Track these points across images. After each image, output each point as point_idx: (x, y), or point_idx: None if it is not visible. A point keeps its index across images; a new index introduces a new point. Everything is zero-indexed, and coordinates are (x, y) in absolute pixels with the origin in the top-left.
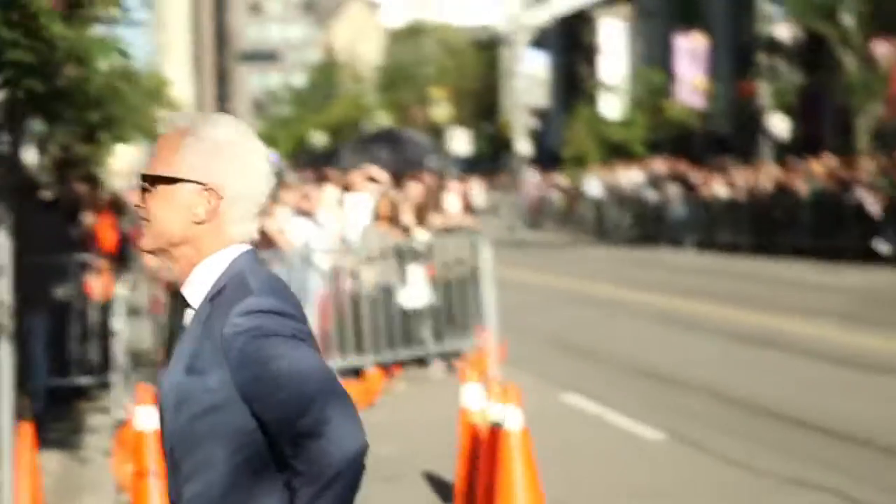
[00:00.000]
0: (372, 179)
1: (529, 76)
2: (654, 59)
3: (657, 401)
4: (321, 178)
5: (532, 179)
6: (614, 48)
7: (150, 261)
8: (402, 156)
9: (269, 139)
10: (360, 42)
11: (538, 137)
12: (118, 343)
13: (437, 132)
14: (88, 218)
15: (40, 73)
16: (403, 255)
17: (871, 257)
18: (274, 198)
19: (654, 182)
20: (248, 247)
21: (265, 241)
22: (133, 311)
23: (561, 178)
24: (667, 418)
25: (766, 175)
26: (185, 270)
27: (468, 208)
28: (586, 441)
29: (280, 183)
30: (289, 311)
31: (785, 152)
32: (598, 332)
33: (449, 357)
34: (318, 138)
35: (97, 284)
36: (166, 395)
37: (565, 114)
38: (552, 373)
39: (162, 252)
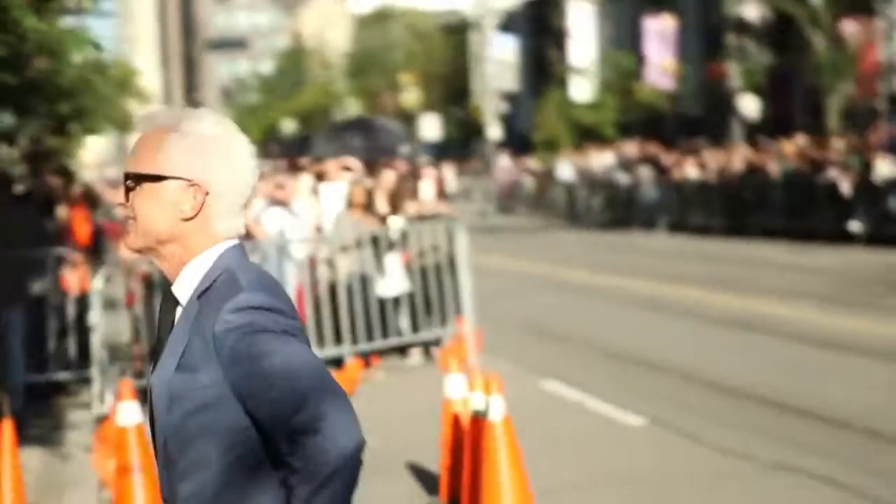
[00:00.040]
0: (346, 168)
1: (499, 60)
2: (623, 42)
3: (637, 386)
4: (294, 167)
5: (504, 164)
6: (583, 31)
7: (125, 253)
8: (374, 143)
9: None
10: (329, 28)
11: (508, 122)
12: (96, 337)
13: (407, 118)
14: (62, 211)
15: (11, 66)
16: (379, 244)
17: (845, 238)
18: None
19: (626, 165)
20: (235, 242)
21: None
22: (109, 304)
23: (532, 163)
24: (647, 404)
25: (739, 156)
26: (174, 268)
27: (442, 194)
28: (568, 428)
29: None
30: (280, 306)
31: (755, 133)
32: (573, 318)
33: (426, 345)
34: (288, 126)
35: (73, 278)
36: (157, 393)
37: (535, 98)
38: (530, 360)
39: (150, 251)
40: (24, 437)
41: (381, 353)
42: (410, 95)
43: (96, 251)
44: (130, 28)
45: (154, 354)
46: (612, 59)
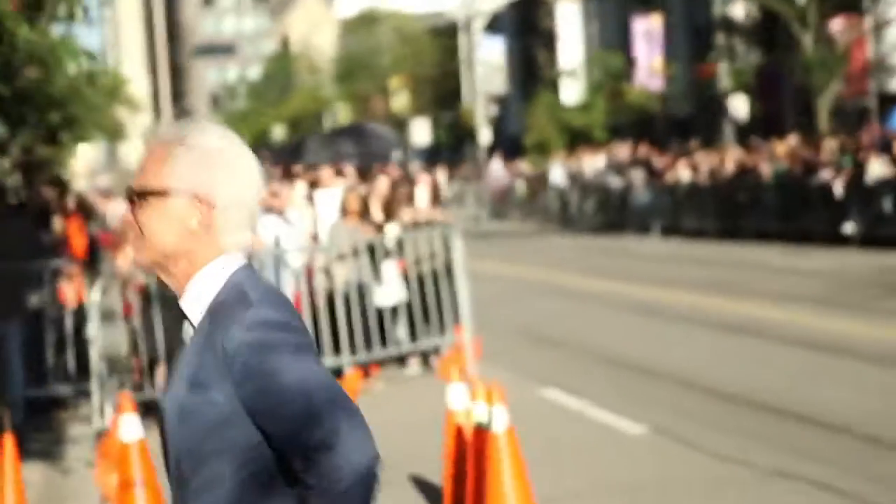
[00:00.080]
0: (340, 174)
1: (487, 63)
2: (611, 42)
3: (636, 393)
4: (288, 175)
5: (496, 168)
6: (571, 32)
7: (121, 264)
8: (367, 150)
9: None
10: (316, 33)
11: (498, 125)
12: (94, 350)
13: (397, 123)
14: (57, 223)
15: (3, 76)
16: (376, 252)
17: (838, 239)
18: None
19: (618, 168)
20: (242, 257)
21: None
22: (106, 316)
23: (524, 166)
24: (647, 411)
25: (731, 158)
26: (181, 284)
27: (437, 200)
28: (569, 437)
29: None
30: (290, 322)
31: (746, 133)
32: (569, 323)
33: (425, 354)
34: (278, 132)
35: (70, 290)
36: (169, 412)
37: (524, 100)
38: (529, 367)
39: (158, 266)
40: (24, 451)
41: (380, 363)
42: (400, 100)
43: (92, 262)
44: (116, 35)
45: (152, 366)
46: (601, 60)
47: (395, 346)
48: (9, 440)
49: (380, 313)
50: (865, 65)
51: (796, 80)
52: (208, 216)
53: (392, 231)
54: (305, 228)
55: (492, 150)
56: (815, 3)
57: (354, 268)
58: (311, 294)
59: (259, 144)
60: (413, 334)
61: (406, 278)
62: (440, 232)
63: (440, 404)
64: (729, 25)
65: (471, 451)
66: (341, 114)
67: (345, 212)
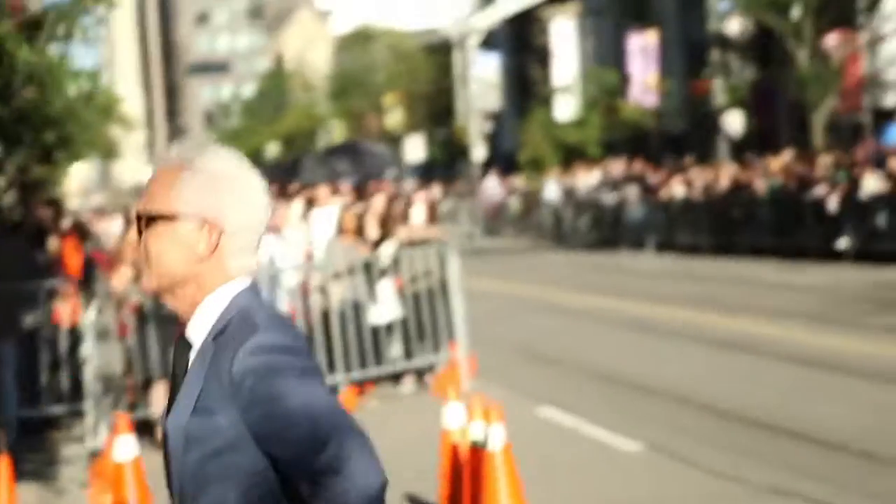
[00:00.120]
0: (336, 193)
1: (481, 79)
2: (605, 59)
3: (631, 410)
4: (283, 193)
5: (491, 185)
6: (565, 48)
7: (116, 283)
8: (363, 168)
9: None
10: (310, 50)
11: (492, 141)
12: (89, 370)
13: (392, 140)
14: (53, 242)
15: (1, 97)
16: (372, 270)
17: (833, 255)
18: None
19: (612, 184)
20: (249, 281)
21: None
22: (100, 336)
23: (519, 182)
24: (642, 428)
25: (725, 174)
26: (187, 309)
27: (433, 218)
28: (565, 455)
29: None
30: (296, 346)
31: (741, 149)
32: (564, 340)
33: (420, 371)
34: (272, 149)
35: (65, 310)
36: (173, 437)
37: (519, 117)
38: (523, 385)
39: (165, 291)
40: (18, 471)
41: (375, 380)
42: (395, 117)
43: (87, 282)
44: (111, 53)
45: (146, 386)
46: (595, 76)
47: (390, 364)
48: (3, 461)
49: (375, 331)
50: (860, 80)
51: (791, 96)
52: (216, 241)
53: (388, 249)
54: (301, 247)
55: (486, 166)
56: (810, 18)
57: (350, 286)
58: (307, 312)
59: (253, 162)
60: (408, 352)
61: (402, 296)
62: (436, 250)
63: (435, 422)
64: (724, 42)
65: (467, 470)
66: (336, 131)
67: (341, 230)
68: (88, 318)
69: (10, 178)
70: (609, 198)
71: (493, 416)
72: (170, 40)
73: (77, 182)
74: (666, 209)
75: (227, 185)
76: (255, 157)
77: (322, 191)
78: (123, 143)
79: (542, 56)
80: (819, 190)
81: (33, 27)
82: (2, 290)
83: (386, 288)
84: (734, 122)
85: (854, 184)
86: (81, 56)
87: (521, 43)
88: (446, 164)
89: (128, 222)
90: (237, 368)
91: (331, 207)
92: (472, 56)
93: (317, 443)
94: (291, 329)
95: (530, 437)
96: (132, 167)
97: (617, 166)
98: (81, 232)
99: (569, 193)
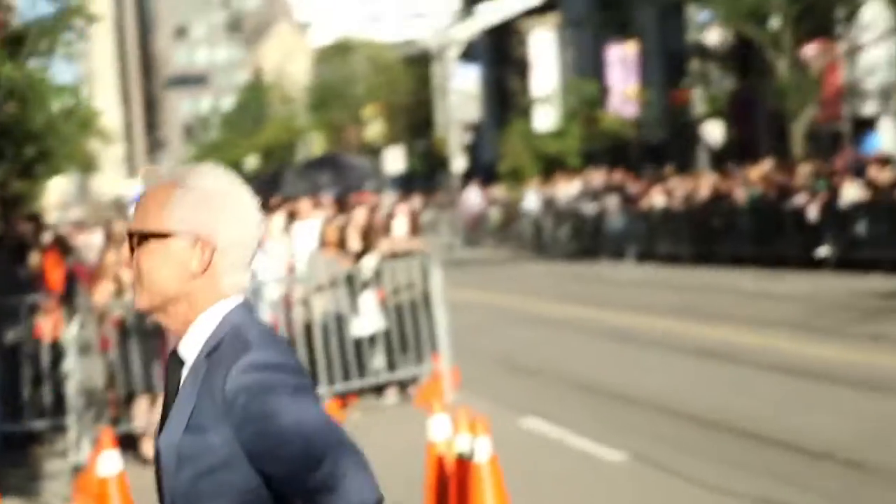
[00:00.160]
0: (318, 206)
1: (460, 91)
2: (585, 69)
3: (614, 420)
4: (265, 206)
5: (473, 196)
6: (545, 59)
7: (98, 297)
8: (344, 180)
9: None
10: (289, 62)
11: (472, 152)
12: (71, 385)
13: (371, 151)
14: (34, 257)
15: None
16: (354, 283)
17: (813, 263)
18: None
19: (592, 194)
20: (241, 298)
21: None
22: (81, 350)
23: (499, 193)
24: (626, 438)
25: (705, 183)
26: (180, 327)
27: (416, 230)
28: (551, 466)
29: None
30: (289, 364)
31: (721, 159)
32: (545, 351)
33: (403, 383)
34: (251, 162)
35: (47, 325)
36: (165, 455)
37: (498, 128)
38: (506, 396)
39: (157, 309)
40: (1, 487)
41: (357, 392)
42: (374, 128)
43: (69, 296)
44: (89, 66)
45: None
46: (575, 87)
47: (373, 376)
48: None
49: (358, 343)
50: (839, 90)
51: (770, 106)
52: (209, 258)
53: (370, 261)
54: (283, 260)
55: (466, 177)
56: (789, 28)
57: (333, 298)
58: (289, 325)
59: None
60: (391, 364)
61: (385, 308)
62: (419, 261)
63: (419, 434)
64: (703, 52)
65: (453, 483)
66: (315, 143)
67: (323, 243)
68: (70, 332)
69: None
70: (589, 208)
71: (479, 428)
72: (148, 53)
73: (55, 196)
74: (646, 219)
75: (220, 202)
76: (235, 170)
77: (304, 204)
78: (102, 157)
79: (521, 67)
80: (799, 199)
81: (15, 42)
82: None
83: (368, 300)
84: (714, 131)
85: (834, 192)
86: (62, 71)
87: (500, 54)
88: (426, 176)
89: (109, 236)
90: (230, 386)
91: (313, 220)
92: (451, 67)
93: (311, 460)
94: (284, 346)
95: (515, 449)
96: (111, 180)
97: (597, 176)
98: (63, 246)
99: (549, 204)
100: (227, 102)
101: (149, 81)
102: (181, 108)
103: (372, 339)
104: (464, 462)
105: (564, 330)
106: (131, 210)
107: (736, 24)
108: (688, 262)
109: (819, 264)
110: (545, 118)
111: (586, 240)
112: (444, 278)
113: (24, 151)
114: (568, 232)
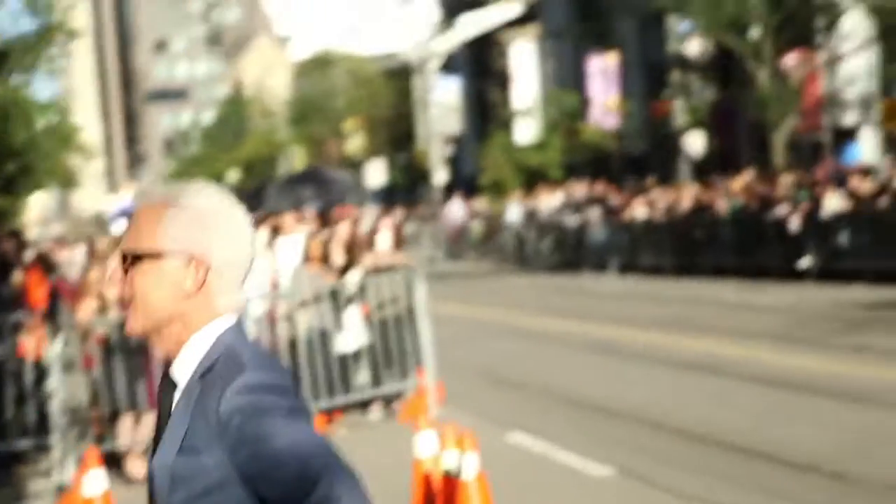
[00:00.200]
0: (301, 220)
1: (441, 103)
2: (565, 81)
3: (599, 433)
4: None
5: (455, 208)
6: (525, 71)
7: (81, 315)
8: (327, 194)
9: (182, 180)
10: (270, 76)
11: (453, 165)
12: (55, 403)
13: (352, 165)
14: (17, 275)
15: None
16: (338, 298)
17: (795, 274)
18: None
19: (574, 206)
20: (234, 318)
21: None
22: (65, 367)
23: (481, 206)
24: (611, 452)
25: (687, 195)
26: (172, 348)
27: (400, 243)
28: (535, 481)
29: None
30: (283, 385)
31: (702, 169)
32: (529, 364)
33: (388, 398)
34: (232, 176)
35: (30, 343)
36: (158, 477)
37: (479, 140)
38: (491, 410)
39: (151, 332)
40: None
41: (342, 408)
42: (355, 142)
43: (52, 314)
44: (69, 81)
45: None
46: (556, 99)
47: (358, 392)
48: None
49: (342, 359)
50: (819, 100)
51: (751, 116)
52: (203, 278)
53: (354, 276)
54: (267, 275)
55: (448, 190)
56: (769, 38)
57: (317, 314)
58: (273, 341)
59: None
60: (376, 379)
61: (369, 323)
62: (403, 276)
63: (405, 450)
64: (684, 63)
65: (440, 500)
66: (296, 157)
67: (307, 258)
68: (54, 350)
69: None
70: (571, 220)
71: (467, 444)
72: (128, 68)
73: (36, 211)
74: (628, 230)
75: (213, 220)
76: (217, 184)
77: (287, 219)
78: (82, 172)
79: (502, 79)
80: (781, 209)
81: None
82: None
83: (353, 315)
84: (695, 142)
85: (815, 203)
86: (40, 86)
87: (480, 66)
88: (408, 189)
89: (92, 252)
90: (224, 408)
91: (296, 235)
92: (432, 80)
93: (306, 483)
94: (278, 367)
95: (501, 464)
96: (91, 196)
97: (579, 188)
98: (46, 264)
99: (531, 216)
100: (208, 116)
101: (129, 96)
102: (161, 122)
103: (356, 355)
104: (451, 479)
105: (547, 343)
106: (112, 226)
107: (716, 34)
108: (670, 273)
109: (801, 275)
110: (526, 130)
111: (569, 252)
112: (427, 292)
113: (5, 167)
114: (550, 244)
